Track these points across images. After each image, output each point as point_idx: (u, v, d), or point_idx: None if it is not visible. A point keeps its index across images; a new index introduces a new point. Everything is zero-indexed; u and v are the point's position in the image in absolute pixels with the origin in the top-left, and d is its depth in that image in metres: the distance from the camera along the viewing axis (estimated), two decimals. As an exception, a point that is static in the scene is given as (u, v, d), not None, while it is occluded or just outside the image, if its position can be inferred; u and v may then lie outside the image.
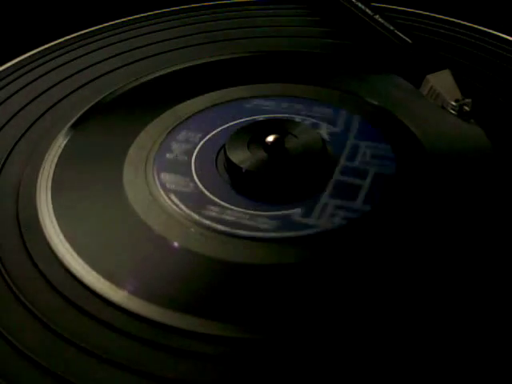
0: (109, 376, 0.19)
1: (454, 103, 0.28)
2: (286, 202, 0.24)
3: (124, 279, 0.22)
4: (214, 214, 0.24)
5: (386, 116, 0.29)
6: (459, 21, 0.36)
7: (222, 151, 0.26)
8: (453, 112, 0.28)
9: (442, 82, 0.29)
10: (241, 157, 0.25)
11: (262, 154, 0.25)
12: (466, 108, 0.28)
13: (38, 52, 0.35)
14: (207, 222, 0.24)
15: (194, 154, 0.27)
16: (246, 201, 0.24)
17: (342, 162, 0.26)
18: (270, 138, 0.25)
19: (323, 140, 0.26)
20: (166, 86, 0.31)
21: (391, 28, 0.33)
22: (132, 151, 0.27)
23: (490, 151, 0.26)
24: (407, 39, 0.32)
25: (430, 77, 0.29)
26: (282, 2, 0.39)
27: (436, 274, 0.22)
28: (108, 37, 0.36)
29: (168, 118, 0.29)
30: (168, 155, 0.27)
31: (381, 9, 0.36)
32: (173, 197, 0.25)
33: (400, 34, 0.32)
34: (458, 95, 0.28)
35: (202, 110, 0.29)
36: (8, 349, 0.20)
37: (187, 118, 0.29)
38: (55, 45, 0.36)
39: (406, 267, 0.22)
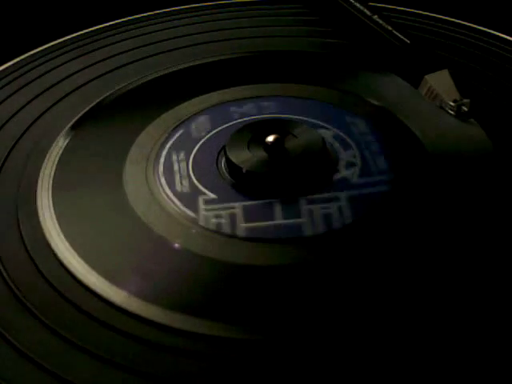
0: (109, 376, 0.19)
1: (452, 103, 0.28)
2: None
3: (124, 279, 0.22)
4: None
5: (385, 116, 0.29)
6: (458, 21, 0.36)
7: (223, 151, 0.26)
8: (451, 112, 0.28)
9: (440, 83, 0.29)
10: (241, 157, 0.25)
11: (262, 154, 0.26)
12: (465, 108, 0.28)
13: (38, 52, 0.35)
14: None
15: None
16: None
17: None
18: (270, 138, 0.26)
19: (323, 140, 0.26)
20: (166, 87, 0.31)
21: (389, 28, 0.33)
22: (133, 151, 0.27)
23: (490, 151, 0.26)
24: (405, 39, 0.32)
25: (428, 77, 0.29)
26: (282, 2, 0.39)
27: (437, 274, 0.22)
28: (108, 37, 0.36)
29: (169, 118, 0.29)
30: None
31: (379, 9, 0.36)
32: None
33: (398, 35, 0.32)
34: (457, 95, 0.28)
35: (203, 110, 0.29)
36: (8, 349, 0.20)
37: (188, 118, 0.29)
38: (55, 45, 0.36)
39: (406, 268, 0.22)
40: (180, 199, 0.25)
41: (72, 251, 0.23)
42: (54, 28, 0.39)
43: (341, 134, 0.28)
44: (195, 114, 0.29)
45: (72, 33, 0.37)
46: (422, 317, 0.20)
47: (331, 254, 0.22)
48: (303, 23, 0.37)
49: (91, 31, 0.37)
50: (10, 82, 0.33)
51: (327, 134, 0.27)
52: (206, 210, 0.24)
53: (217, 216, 0.24)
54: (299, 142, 0.26)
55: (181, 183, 0.25)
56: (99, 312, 0.21)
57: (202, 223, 0.24)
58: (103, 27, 0.37)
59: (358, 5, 0.35)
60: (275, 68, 0.32)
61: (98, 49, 0.35)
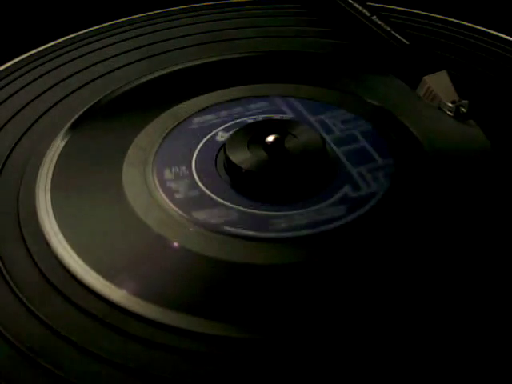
0: (108, 375, 0.19)
1: (450, 104, 0.28)
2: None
3: (123, 279, 0.22)
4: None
5: (384, 116, 0.29)
6: (458, 21, 0.36)
7: (222, 151, 0.26)
8: (449, 113, 0.28)
9: (438, 84, 0.29)
10: (241, 157, 0.25)
11: (262, 154, 0.26)
12: (463, 109, 0.28)
13: (38, 52, 0.35)
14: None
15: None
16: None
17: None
18: (270, 138, 0.26)
19: (323, 140, 0.26)
20: (165, 87, 0.31)
21: (388, 29, 0.33)
22: (131, 151, 0.27)
23: (489, 151, 0.27)
24: (404, 40, 0.32)
25: (426, 78, 0.29)
26: (282, 1, 0.39)
27: (436, 274, 0.22)
28: (108, 37, 0.37)
29: (167, 118, 0.29)
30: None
31: (379, 9, 0.36)
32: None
33: (397, 35, 0.32)
34: (455, 96, 0.28)
35: (202, 110, 0.29)
36: (7, 349, 0.20)
37: (187, 119, 0.29)
38: (55, 45, 0.36)
39: (406, 267, 0.22)
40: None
41: (71, 251, 0.23)
42: (54, 28, 0.39)
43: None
44: (194, 115, 0.29)
45: (71, 33, 0.37)
46: (420, 317, 0.20)
47: (331, 253, 0.23)
48: (303, 23, 0.37)
49: (90, 31, 0.37)
50: (9, 83, 0.33)
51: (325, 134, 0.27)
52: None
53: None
54: (299, 142, 0.26)
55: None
56: (98, 311, 0.21)
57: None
58: (102, 27, 0.37)
59: (356, 5, 0.35)
60: (275, 68, 0.32)
61: (97, 49, 0.35)
